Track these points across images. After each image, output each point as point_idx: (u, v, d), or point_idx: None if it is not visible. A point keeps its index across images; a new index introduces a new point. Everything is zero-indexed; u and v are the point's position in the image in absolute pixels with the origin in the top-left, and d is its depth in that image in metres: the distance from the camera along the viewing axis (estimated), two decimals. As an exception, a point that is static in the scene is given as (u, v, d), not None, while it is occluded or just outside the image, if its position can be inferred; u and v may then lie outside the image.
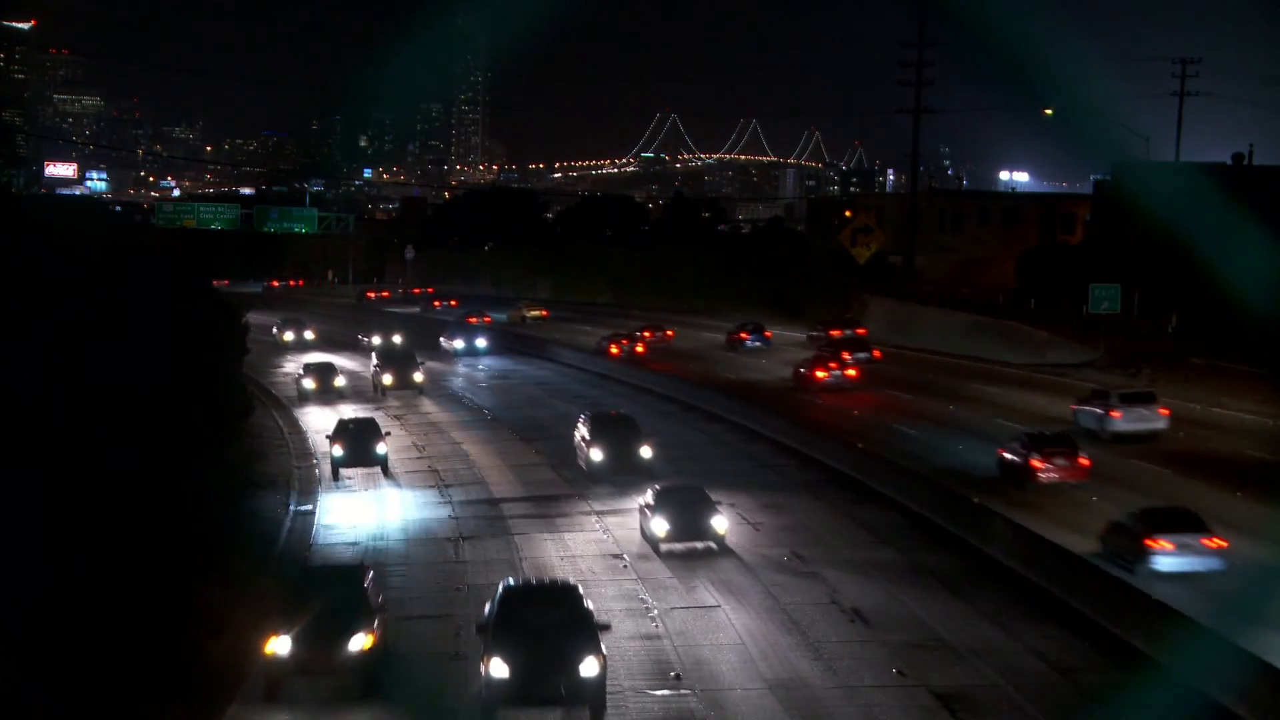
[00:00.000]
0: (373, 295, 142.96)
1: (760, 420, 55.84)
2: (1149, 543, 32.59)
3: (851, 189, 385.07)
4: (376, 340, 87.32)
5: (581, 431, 48.93)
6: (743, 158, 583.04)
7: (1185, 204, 60.91)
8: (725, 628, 30.61)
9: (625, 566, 36.06)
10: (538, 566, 36.15)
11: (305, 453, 54.45)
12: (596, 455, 46.71)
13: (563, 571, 34.81)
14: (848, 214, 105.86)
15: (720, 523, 37.41)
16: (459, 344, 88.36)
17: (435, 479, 48.74)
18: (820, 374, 65.68)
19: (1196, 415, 54.81)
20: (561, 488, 46.56)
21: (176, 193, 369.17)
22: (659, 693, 26.58)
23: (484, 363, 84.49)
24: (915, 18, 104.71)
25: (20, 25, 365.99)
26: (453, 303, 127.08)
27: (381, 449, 49.44)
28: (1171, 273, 71.33)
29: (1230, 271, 53.51)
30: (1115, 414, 50.68)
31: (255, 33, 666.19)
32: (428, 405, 66.73)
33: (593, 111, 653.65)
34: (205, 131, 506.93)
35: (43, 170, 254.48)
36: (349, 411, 59.31)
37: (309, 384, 68.65)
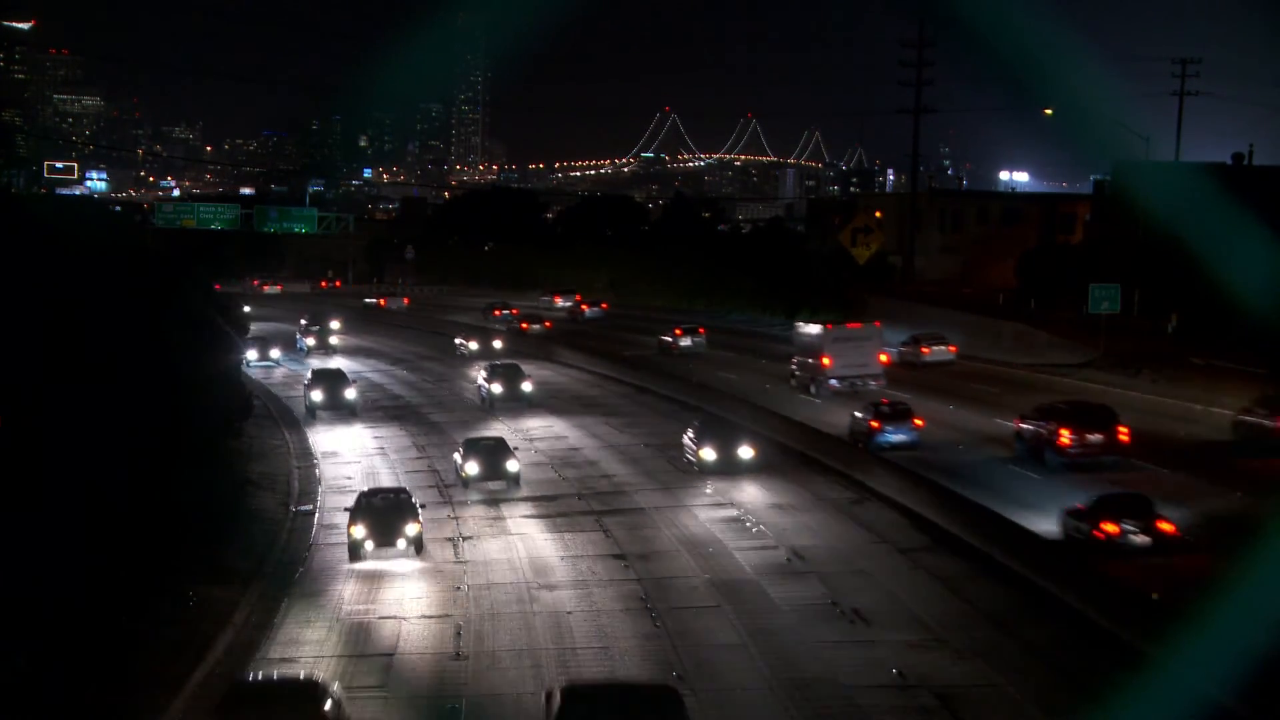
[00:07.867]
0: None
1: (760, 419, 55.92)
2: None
3: (851, 189, 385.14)
4: None
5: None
6: (743, 158, 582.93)
7: (1185, 204, 60.88)
8: (726, 628, 30.60)
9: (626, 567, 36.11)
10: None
11: (305, 452, 54.50)
12: None
13: None
14: (858, 220, 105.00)
15: None
16: None
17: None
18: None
19: (1196, 415, 54.79)
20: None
21: (176, 193, 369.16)
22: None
23: None
24: (915, 18, 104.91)
25: (20, 25, 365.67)
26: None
27: None
28: (1171, 273, 71.28)
29: (1230, 272, 53.46)
30: None
31: (256, 33, 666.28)
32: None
33: (592, 111, 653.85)
34: (205, 131, 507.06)
35: (43, 170, 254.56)
36: None
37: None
